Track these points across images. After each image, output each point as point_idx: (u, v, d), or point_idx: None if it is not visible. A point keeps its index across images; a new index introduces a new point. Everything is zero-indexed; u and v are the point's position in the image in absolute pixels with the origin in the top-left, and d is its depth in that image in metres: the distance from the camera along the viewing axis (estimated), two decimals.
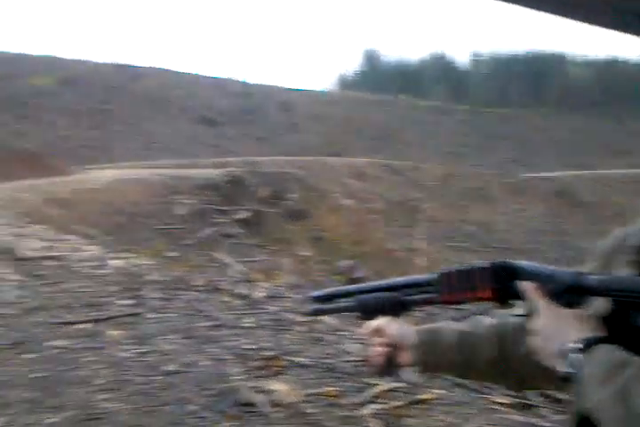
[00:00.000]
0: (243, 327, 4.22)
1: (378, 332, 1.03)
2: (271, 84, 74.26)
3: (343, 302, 1.07)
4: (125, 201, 21.64)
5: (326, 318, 4.40)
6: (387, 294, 1.02)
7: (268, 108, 61.74)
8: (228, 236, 22.78)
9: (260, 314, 4.75)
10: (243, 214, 24.42)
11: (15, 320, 4.22)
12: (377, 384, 3.11)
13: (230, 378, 3.16)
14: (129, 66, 67.43)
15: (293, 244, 23.25)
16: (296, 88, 74.10)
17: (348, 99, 66.66)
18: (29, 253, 6.25)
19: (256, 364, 3.41)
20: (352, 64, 76.04)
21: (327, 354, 3.67)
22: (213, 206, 24.93)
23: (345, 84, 71.70)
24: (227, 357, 3.51)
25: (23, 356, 3.48)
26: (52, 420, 2.69)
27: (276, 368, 3.37)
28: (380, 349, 1.02)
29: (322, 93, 73.61)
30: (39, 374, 3.19)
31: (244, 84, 71.60)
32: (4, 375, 3.19)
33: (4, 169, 21.32)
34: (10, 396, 2.93)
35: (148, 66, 70.09)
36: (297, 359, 3.54)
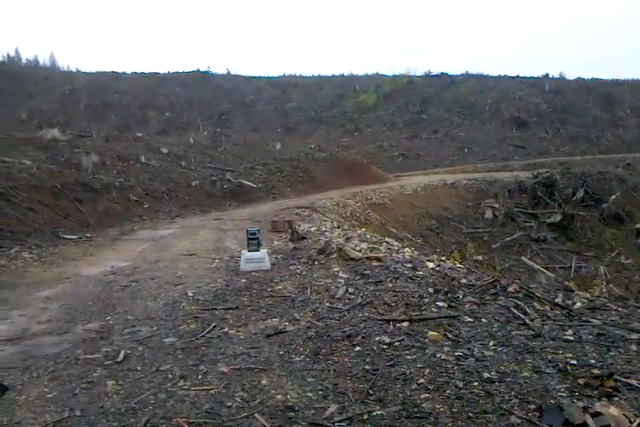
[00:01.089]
0: (564, 340, 3.92)
1: None
2: (590, 77, 67.93)
3: None
4: (436, 205, 22.42)
5: None
6: None
7: (585, 104, 56.84)
8: (538, 240, 21.74)
9: (583, 327, 4.35)
10: (554, 218, 23.05)
11: (345, 314, 4.70)
12: None
13: (554, 393, 2.97)
14: (441, 75, 69.54)
15: (612, 250, 20.90)
16: (619, 79, 66.32)
17: None
18: (355, 254, 6.89)
19: (582, 381, 3.13)
20: None
21: None
22: (523, 210, 24.07)
23: None
24: (548, 370, 3.30)
25: (355, 348, 3.84)
26: (378, 412, 2.88)
27: (605, 389, 3.04)
28: None
29: None
30: (367, 367, 3.47)
31: (560, 80, 67.20)
32: (342, 365, 3.56)
33: (335, 178, 24.15)
34: (345, 385, 3.26)
35: (460, 73, 71.08)
36: (631, 381, 3.14)
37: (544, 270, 16.69)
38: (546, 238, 22.27)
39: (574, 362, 3.43)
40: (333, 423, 2.78)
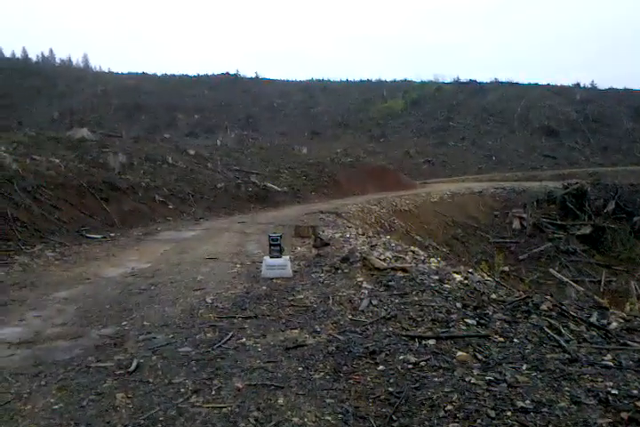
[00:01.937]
0: (603, 366, 3.64)
1: None
2: (622, 87, 66.75)
3: None
4: (462, 214, 22.05)
5: None
6: None
7: (617, 115, 55.69)
8: (567, 252, 21.16)
9: (622, 351, 4.06)
10: (584, 230, 22.46)
11: (368, 328, 4.48)
12: None
13: None
14: (470, 82, 68.94)
15: None
16: None
17: None
18: (380, 264, 6.67)
19: (625, 415, 2.86)
20: None
21: None
22: (552, 221, 23.51)
23: None
24: (588, 401, 3.03)
25: (378, 367, 3.61)
26: None
27: None
28: None
29: None
30: (391, 389, 3.23)
31: (592, 89, 66.10)
32: (363, 386, 3.33)
33: (360, 183, 23.95)
34: (366, 408, 3.03)
35: (489, 81, 70.57)
36: None
37: (573, 284, 16.19)
38: (575, 251, 21.71)
39: (615, 392, 3.15)
40: None
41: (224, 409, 3.02)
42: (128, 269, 7.52)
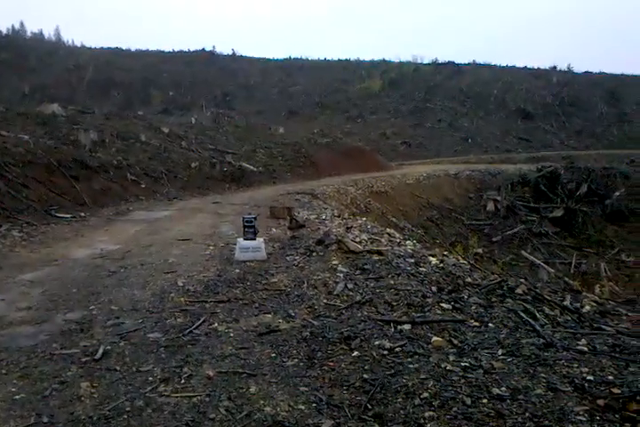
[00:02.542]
0: (578, 351, 3.61)
1: None
2: (598, 70, 67.37)
3: None
4: (437, 196, 22.14)
5: None
6: None
7: (592, 98, 56.26)
8: (539, 235, 21.43)
9: (596, 336, 4.06)
10: (556, 212, 22.73)
11: (343, 313, 4.40)
12: None
13: (572, 417, 2.67)
14: (448, 64, 68.83)
15: (614, 247, 20.62)
16: (627, 74, 65.91)
17: None
18: (356, 247, 6.59)
19: (602, 402, 2.84)
20: None
21: None
22: (525, 203, 23.76)
23: None
24: (564, 387, 2.99)
25: (352, 353, 3.54)
26: None
27: (628, 413, 2.75)
28: None
29: None
30: (366, 376, 3.16)
31: (568, 73, 66.59)
32: (338, 373, 3.25)
33: (336, 164, 23.79)
34: (340, 396, 2.95)
35: (466, 62, 70.58)
36: None
37: (545, 266, 16.42)
38: (547, 233, 22.00)
39: (591, 378, 3.12)
40: None
41: (194, 399, 2.92)
42: (97, 251, 7.32)
